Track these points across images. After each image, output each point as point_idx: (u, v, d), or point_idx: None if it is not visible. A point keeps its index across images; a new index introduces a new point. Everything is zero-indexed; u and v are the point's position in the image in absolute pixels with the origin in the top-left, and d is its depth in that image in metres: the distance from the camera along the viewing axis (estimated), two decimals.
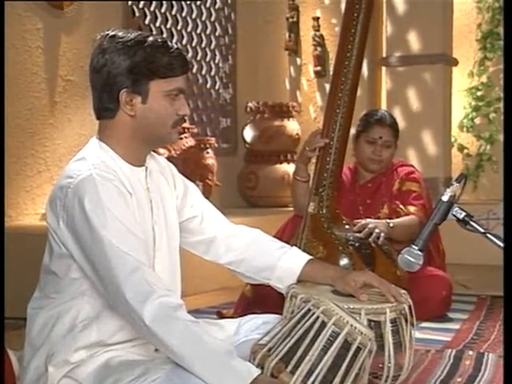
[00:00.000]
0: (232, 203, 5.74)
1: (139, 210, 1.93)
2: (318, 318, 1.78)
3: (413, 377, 2.54)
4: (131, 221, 1.85)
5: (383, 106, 6.20)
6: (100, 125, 1.98)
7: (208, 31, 6.04)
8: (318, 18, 6.30)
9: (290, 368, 1.73)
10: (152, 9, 5.45)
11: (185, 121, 2.02)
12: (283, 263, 2.10)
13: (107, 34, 1.93)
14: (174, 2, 5.69)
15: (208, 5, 6.04)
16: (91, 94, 1.97)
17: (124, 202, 1.87)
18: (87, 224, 1.81)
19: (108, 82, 1.90)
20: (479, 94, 6.39)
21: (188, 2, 5.83)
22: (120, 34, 1.92)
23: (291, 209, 3.73)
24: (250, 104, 5.86)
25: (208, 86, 6.07)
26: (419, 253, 2.21)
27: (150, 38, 1.91)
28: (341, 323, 1.76)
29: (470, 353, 2.88)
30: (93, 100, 1.97)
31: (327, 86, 5.51)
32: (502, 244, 2.08)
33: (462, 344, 3.09)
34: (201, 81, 5.99)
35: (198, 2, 5.93)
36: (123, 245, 1.80)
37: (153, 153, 2.08)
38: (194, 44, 5.90)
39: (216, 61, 6.13)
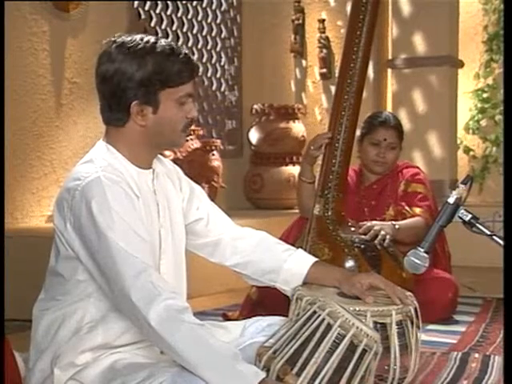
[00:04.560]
0: (237, 205, 5.75)
1: (146, 213, 1.93)
2: (323, 320, 1.78)
3: (419, 379, 2.54)
4: (138, 223, 1.86)
5: (389, 108, 6.19)
6: (108, 129, 1.98)
7: (214, 33, 6.05)
8: (324, 20, 6.29)
9: (295, 370, 1.73)
10: (158, 11, 5.45)
11: (193, 123, 2.02)
12: (289, 265, 2.10)
13: (114, 41, 1.92)
14: (179, 4, 5.70)
15: (214, 7, 6.05)
16: (97, 97, 1.97)
17: (131, 205, 1.87)
18: (94, 226, 1.82)
19: (118, 93, 1.90)
20: (485, 95, 6.38)
21: (194, 4, 5.84)
22: (127, 40, 1.90)
23: (297, 211, 3.73)
24: (255, 106, 5.86)
25: (213, 88, 6.07)
26: (425, 255, 2.21)
27: (159, 46, 1.90)
28: (346, 325, 1.76)
29: (476, 355, 2.87)
30: (100, 106, 1.96)
31: (333, 88, 5.52)
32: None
33: (467, 346, 3.08)
34: (206, 83, 6.00)
35: (204, 4, 5.94)
36: (129, 247, 1.80)
37: (159, 155, 2.09)
38: (199, 46, 5.91)
39: (222, 63, 6.14)
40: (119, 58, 1.89)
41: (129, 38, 1.92)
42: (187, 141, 4.85)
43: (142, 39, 1.91)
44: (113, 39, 1.93)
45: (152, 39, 1.92)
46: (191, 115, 1.96)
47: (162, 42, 1.92)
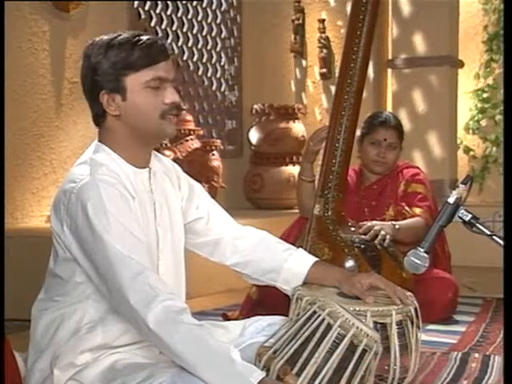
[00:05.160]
0: (237, 205, 5.74)
1: (142, 213, 1.93)
2: (323, 320, 1.78)
3: (419, 379, 2.54)
4: (134, 225, 1.85)
5: (389, 108, 6.20)
6: (99, 132, 2.00)
7: (214, 33, 6.05)
8: (324, 20, 6.30)
9: (295, 370, 1.73)
10: (158, 11, 5.45)
11: (178, 109, 1.96)
12: (289, 265, 2.10)
13: (88, 43, 1.96)
14: (179, 4, 5.70)
15: (214, 7, 6.05)
16: None
17: (127, 206, 1.87)
18: (90, 229, 1.81)
19: (90, 89, 1.93)
20: (485, 95, 6.38)
21: (194, 4, 5.84)
22: (97, 39, 1.94)
23: (297, 211, 3.73)
24: (255, 106, 5.86)
25: (213, 88, 6.07)
26: (425, 255, 2.21)
27: (122, 36, 1.91)
28: (346, 325, 1.76)
29: (476, 355, 2.87)
30: (90, 110, 1.99)
31: (333, 88, 5.52)
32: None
33: (467, 346, 3.08)
34: (206, 83, 6.00)
35: (204, 4, 5.94)
36: (126, 249, 1.80)
37: (158, 154, 2.09)
38: (199, 46, 5.91)
39: (222, 63, 6.14)
40: (88, 55, 1.93)
41: (99, 37, 1.94)
42: (187, 141, 4.85)
43: (109, 35, 1.93)
44: (89, 42, 1.96)
45: (119, 32, 1.94)
46: (168, 100, 1.92)
47: (129, 33, 1.93)
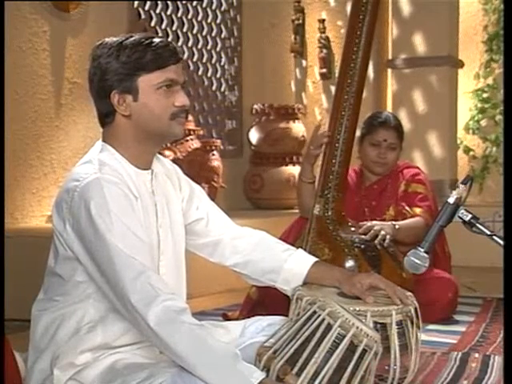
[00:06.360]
0: (237, 205, 5.75)
1: (144, 214, 1.93)
2: (323, 320, 1.78)
3: (419, 379, 2.54)
4: (136, 225, 1.85)
5: (389, 108, 6.20)
6: (104, 131, 1.99)
7: (214, 33, 6.05)
8: (324, 20, 6.30)
9: (295, 370, 1.73)
10: (158, 11, 5.45)
11: (187, 112, 1.99)
12: (289, 265, 2.10)
13: (97, 44, 1.95)
14: (179, 4, 5.70)
15: (214, 7, 6.05)
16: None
17: (130, 206, 1.87)
18: (93, 228, 1.82)
19: (100, 88, 1.93)
20: (485, 95, 6.39)
21: (194, 4, 5.84)
22: (107, 39, 1.94)
23: (296, 211, 3.73)
24: (255, 106, 5.86)
25: (213, 88, 6.07)
26: (425, 255, 2.20)
27: (134, 37, 1.92)
28: (346, 325, 1.76)
29: (476, 355, 2.87)
30: (96, 111, 1.98)
31: (333, 88, 5.51)
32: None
33: (468, 346, 3.08)
34: (206, 83, 6.00)
35: (204, 4, 5.94)
36: (128, 249, 1.80)
37: (158, 155, 2.09)
38: (199, 46, 5.91)
39: (222, 63, 6.14)
40: (98, 55, 1.93)
41: (109, 38, 1.95)
42: (187, 141, 4.85)
43: (119, 36, 1.94)
44: (98, 42, 1.96)
45: (132, 34, 1.95)
46: (179, 103, 1.93)
47: (141, 34, 1.95)
